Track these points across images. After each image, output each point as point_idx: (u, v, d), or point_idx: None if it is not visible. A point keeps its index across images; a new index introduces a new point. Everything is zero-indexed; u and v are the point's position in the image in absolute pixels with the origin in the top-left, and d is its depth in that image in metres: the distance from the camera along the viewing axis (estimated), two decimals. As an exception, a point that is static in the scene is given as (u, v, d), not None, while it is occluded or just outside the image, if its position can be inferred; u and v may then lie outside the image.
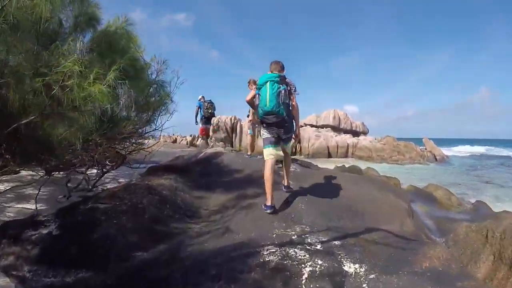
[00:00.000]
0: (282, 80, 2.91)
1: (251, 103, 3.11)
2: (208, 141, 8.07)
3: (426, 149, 26.17)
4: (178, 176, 4.36)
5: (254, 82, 6.53)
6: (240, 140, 29.51)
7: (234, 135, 30.55)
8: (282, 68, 3.09)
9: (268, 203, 2.92)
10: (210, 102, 7.44)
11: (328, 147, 26.41)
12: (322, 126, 30.78)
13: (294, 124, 3.11)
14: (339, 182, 3.99)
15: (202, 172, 4.89)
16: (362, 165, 16.68)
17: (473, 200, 6.60)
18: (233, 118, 31.40)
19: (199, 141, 7.96)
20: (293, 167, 4.63)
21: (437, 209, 5.12)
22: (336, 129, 30.98)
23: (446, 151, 30.97)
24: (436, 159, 24.52)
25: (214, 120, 29.59)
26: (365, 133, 33.20)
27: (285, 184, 3.49)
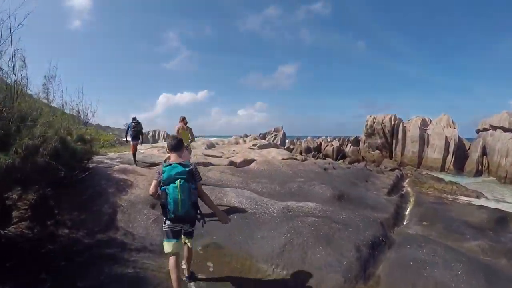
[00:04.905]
0: (190, 173, 2.73)
1: (156, 196, 2.79)
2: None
3: None
4: None
5: (183, 120, 6.95)
6: (403, 149, 24.62)
7: (394, 141, 25.62)
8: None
9: None
10: (137, 121, 8.55)
11: (534, 168, 19.89)
12: (519, 130, 22.83)
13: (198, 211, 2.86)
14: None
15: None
16: None
17: None
18: (393, 118, 26.16)
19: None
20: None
21: None
22: (544, 136, 22.52)
23: None
24: None
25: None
26: None
27: (186, 273, 3.30)
